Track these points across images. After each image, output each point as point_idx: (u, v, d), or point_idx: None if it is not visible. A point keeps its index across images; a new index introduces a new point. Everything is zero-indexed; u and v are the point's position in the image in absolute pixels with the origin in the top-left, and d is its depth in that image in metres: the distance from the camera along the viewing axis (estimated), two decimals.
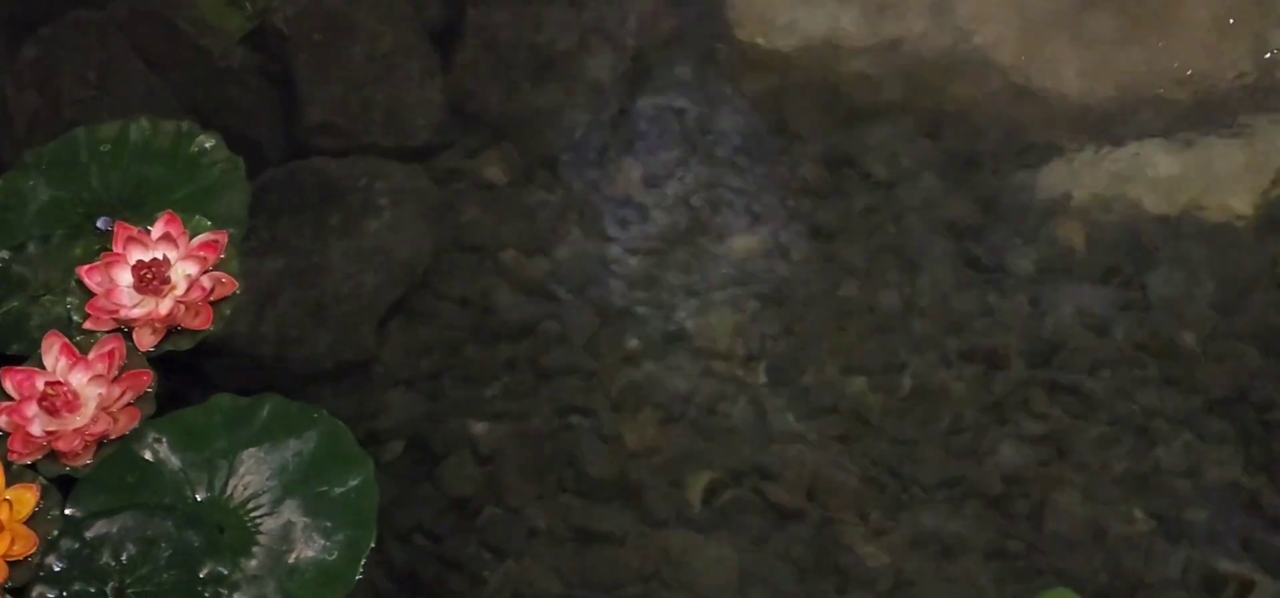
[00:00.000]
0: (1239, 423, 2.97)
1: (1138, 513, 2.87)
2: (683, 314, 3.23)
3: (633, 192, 3.42)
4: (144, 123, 3.29)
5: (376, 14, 3.60)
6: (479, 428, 3.06)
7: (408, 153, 3.46)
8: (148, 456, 2.80)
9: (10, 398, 2.82)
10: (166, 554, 2.65)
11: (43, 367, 2.84)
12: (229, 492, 2.78)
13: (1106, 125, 3.43)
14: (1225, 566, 2.80)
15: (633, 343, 3.20)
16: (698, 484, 2.99)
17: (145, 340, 2.92)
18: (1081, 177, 3.35)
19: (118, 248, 3.01)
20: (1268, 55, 3.45)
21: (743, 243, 3.33)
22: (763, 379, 3.13)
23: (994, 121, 3.48)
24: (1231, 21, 3.52)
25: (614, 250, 3.33)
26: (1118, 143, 3.40)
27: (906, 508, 2.94)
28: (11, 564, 2.62)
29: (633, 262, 3.31)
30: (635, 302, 3.25)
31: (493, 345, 3.21)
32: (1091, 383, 3.06)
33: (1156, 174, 3.33)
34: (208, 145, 3.25)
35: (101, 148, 3.26)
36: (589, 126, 3.52)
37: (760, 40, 3.63)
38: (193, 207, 3.13)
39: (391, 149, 3.45)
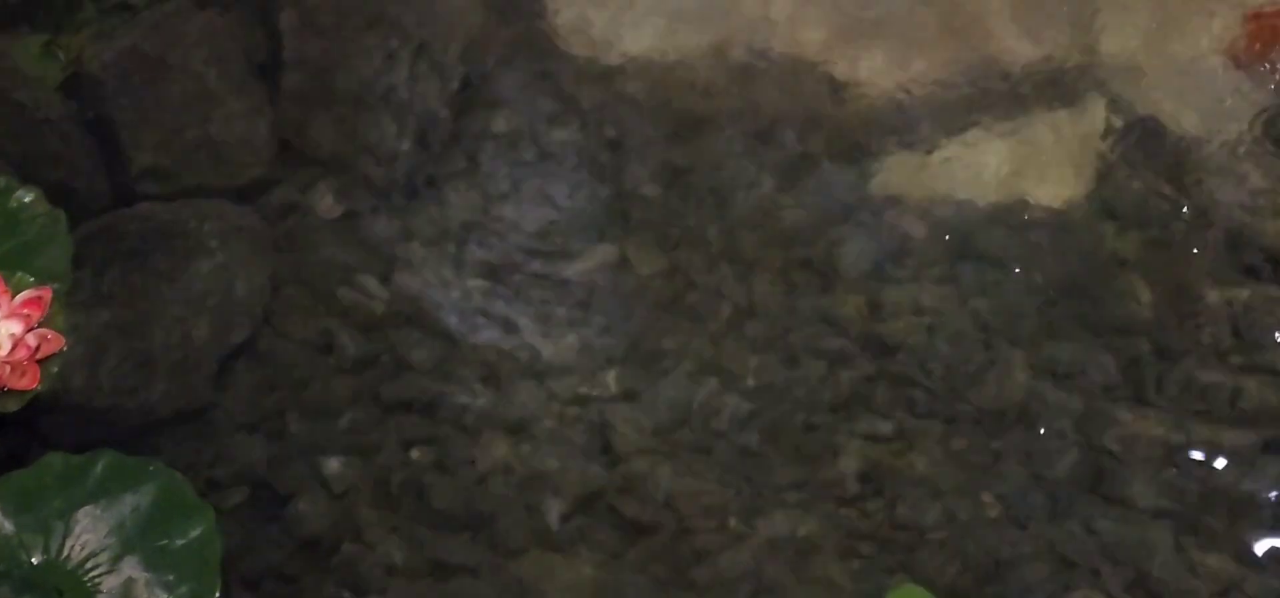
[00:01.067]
0: (1075, 406, 3.02)
1: (986, 498, 2.91)
2: (527, 336, 3.21)
3: (469, 216, 3.39)
4: None
5: (196, 52, 3.51)
6: (328, 466, 3.01)
7: (238, 191, 3.39)
8: None
9: None
10: None
11: None
12: (66, 553, 2.70)
13: (933, 121, 3.48)
14: (1071, 550, 2.84)
15: (478, 369, 3.17)
16: (552, 506, 2.98)
17: None
18: (912, 174, 3.40)
19: None
20: (1082, 40, 3.52)
21: (584, 260, 3.32)
22: (611, 393, 3.12)
23: (823, 124, 3.51)
24: (1044, 11, 3.60)
25: (453, 276, 3.31)
26: (945, 138, 3.45)
27: (762, 512, 2.96)
28: None
29: (473, 286, 3.28)
30: (478, 327, 3.23)
31: (337, 380, 3.16)
32: (934, 377, 3.10)
33: (985, 166, 3.39)
34: (27, 200, 3.15)
35: None
36: (421, 153, 3.48)
37: (589, 55, 3.62)
38: (13, 264, 3.03)
39: (220, 189, 3.38)
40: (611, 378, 3.16)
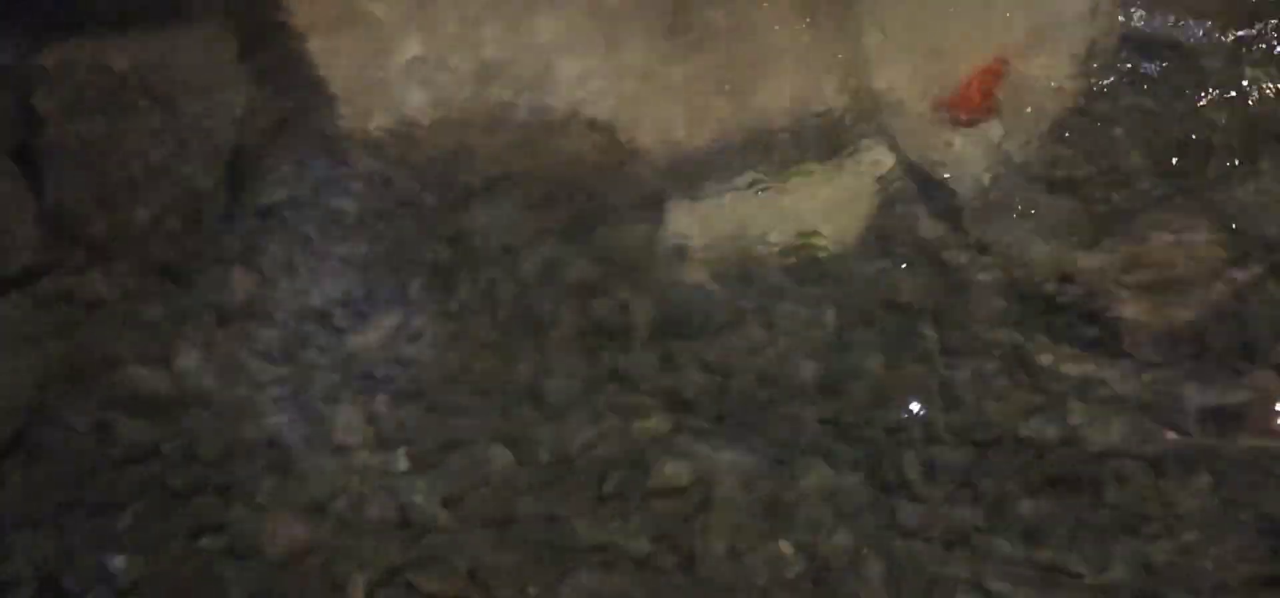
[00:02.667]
0: (868, 444, 3.06)
1: (784, 547, 2.94)
2: (316, 413, 3.16)
3: (250, 292, 3.33)
4: None
5: None
6: (115, 562, 2.93)
7: (5, 282, 3.25)
8: None
9: None
10: None
11: None
12: None
13: (716, 172, 3.51)
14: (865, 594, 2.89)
15: (268, 450, 3.11)
16: (356, 583, 2.94)
17: None
18: (698, 225, 3.43)
19: None
20: (856, 88, 3.60)
21: (370, 332, 3.28)
22: (406, 467, 3.08)
23: (607, 179, 3.52)
24: (815, 60, 3.66)
25: (237, 356, 3.23)
26: (729, 188, 3.49)
27: (564, 577, 2.94)
28: None
29: (257, 367, 3.21)
30: (265, 408, 3.16)
31: (121, 471, 3.08)
32: (728, 427, 3.12)
33: (768, 214, 3.43)
34: None
35: None
36: (195, 232, 3.40)
37: (366, 123, 3.58)
38: None
39: None
40: (404, 451, 3.12)
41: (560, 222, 3.45)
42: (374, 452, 3.11)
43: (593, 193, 3.50)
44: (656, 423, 3.12)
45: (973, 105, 3.46)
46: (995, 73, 3.49)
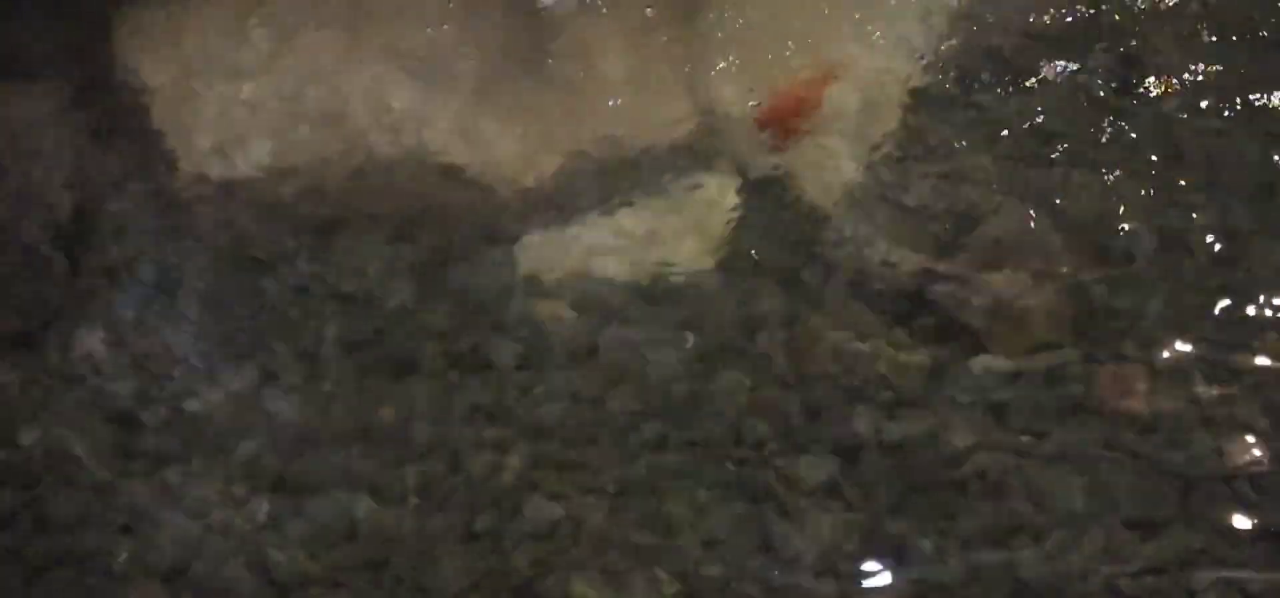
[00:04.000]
0: (735, 464, 3.07)
1: (660, 574, 2.92)
2: (171, 473, 3.11)
3: (96, 353, 3.25)
4: None
5: None
6: None
7: None
8: None
9: None
10: None
11: None
12: None
13: (566, 201, 3.52)
14: None
15: (124, 514, 3.05)
16: None
17: None
18: (551, 254, 3.43)
19: None
20: (701, 108, 3.61)
21: (225, 385, 3.22)
22: (265, 522, 3.03)
23: (458, 217, 3.52)
24: (660, 83, 3.68)
25: (87, 420, 3.16)
26: (580, 215, 3.49)
27: None
28: None
29: (107, 429, 3.14)
30: (118, 470, 3.09)
31: None
32: (595, 456, 3.10)
33: (621, 238, 3.44)
34: None
35: None
36: (37, 294, 3.30)
37: (208, 172, 3.53)
38: None
39: None
40: (264, 506, 3.07)
41: (413, 262, 3.43)
42: (233, 509, 3.04)
43: (444, 231, 3.48)
44: (523, 458, 3.10)
45: (789, 120, 3.49)
46: (813, 87, 3.52)
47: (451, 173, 3.56)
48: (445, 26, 3.78)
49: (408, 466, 3.10)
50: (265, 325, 3.32)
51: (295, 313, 3.34)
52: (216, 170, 3.54)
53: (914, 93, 3.56)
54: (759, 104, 3.56)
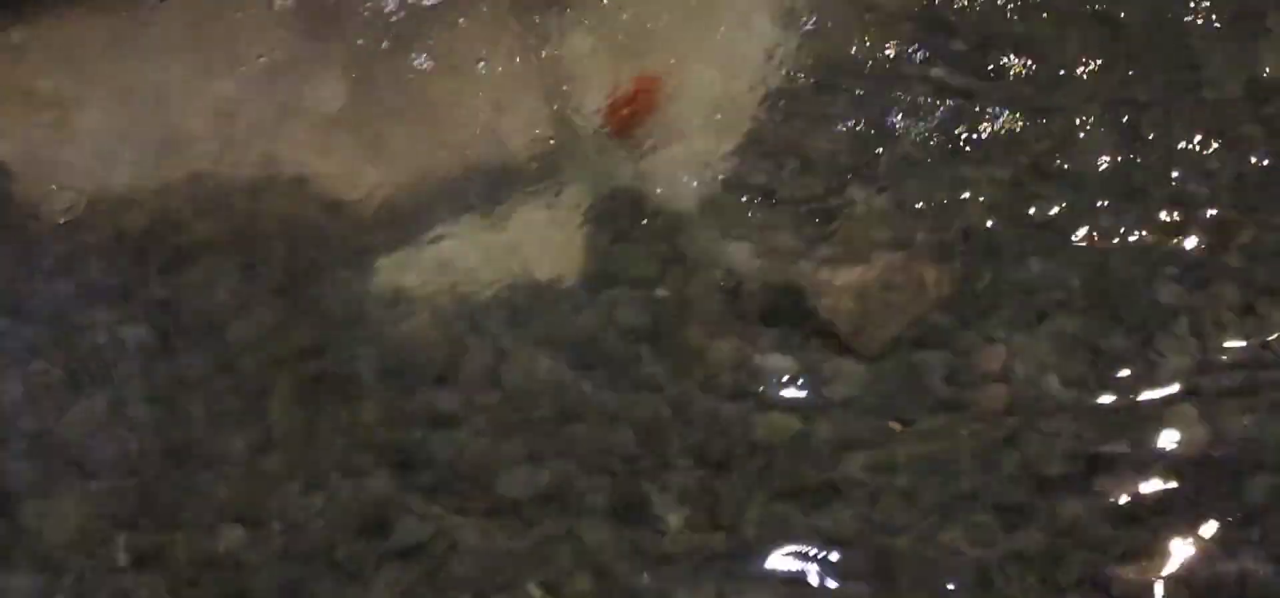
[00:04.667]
0: (606, 476, 3.04)
1: (533, 591, 2.88)
2: (23, 513, 3.03)
3: None
4: None
5: None
6: None
7: None
8: None
9: None
10: None
11: None
12: None
13: (425, 215, 3.46)
14: None
15: None
16: None
17: None
18: (413, 270, 3.37)
19: None
20: (559, 116, 3.57)
21: (78, 420, 3.12)
22: (125, 561, 2.95)
23: (312, 236, 3.45)
24: (518, 91, 3.64)
25: None
26: (440, 229, 3.43)
27: None
28: None
29: None
30: None
31: None
32: (462, 474, 3.06)
33: (482, 251, 3.39)
34: None
35: None
36: None
37: (55, 203, 3.42)
38: None
39: None
40: (123, 543, 2.97)
41: (268, 283, 3.36)
42: (91, 550, 2.95)
43: (299, 250, 3.42)
44: (388, 481, 3.05)
45: (625, 121, 3.47)
46: (647, 88, 3.50)
47: (304, 191, 3.50)
48: (291, 42, 3.72)
49: (270, 494, 3.03)
50: (118, 356, 3.22)
51: (148, 342, 3.25)
52: (60, 202, 3.45)
53: (771, 91, 3.55)
54: (598, 107, 3.54)
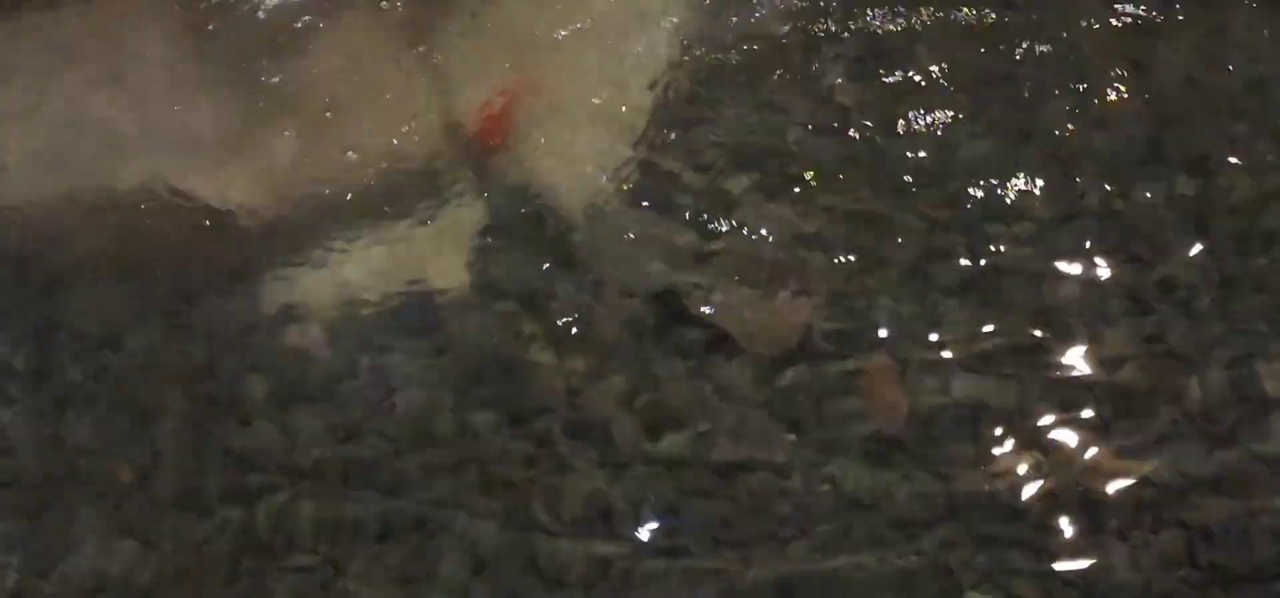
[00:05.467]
0: (501, 488, 3.03)
1: None
2: None
3: None
4: None
5: None
6: None
7: None
8: None
9: None
10: None
11: None
12: None
13: (314, 231, 3.43)
14: None
15: None
16: None
17: None
18: (303, 287, 3.34)
19: None
20: (449, 129, 3.56)
21: None
22: (14, 584, 2.92)
23: (200, 255, 3.41)
24: (405, 102, 3.60)
25: None
26: (330, 245, 3.40)
27: None
28: None
29: None
30: None
31: None
32: (356, 491, 3.04)
33: (370, 266, 3.36)
34: None
35: None
36: None
37: None
38: None
39: None
40: (14, 567, 2.95)
41: (155, 303, 3.32)
42: None
43: (186, 270, 3.38)
44: (282, 497, 3.02)
45: (487, 132, 3.47)
46: (510, 99, 3.50)
47: (189, 208, 3.46)
48: (175, 58, 3.68)
49: (162, 516, 3.00)
50: (1, 379, 3.17)
51: (32, 364, 3.20)
52: None
53: (659, 97, 3.55)
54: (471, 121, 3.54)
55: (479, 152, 3.48)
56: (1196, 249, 3.20)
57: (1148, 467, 2.94)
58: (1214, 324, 3.10)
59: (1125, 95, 3.46)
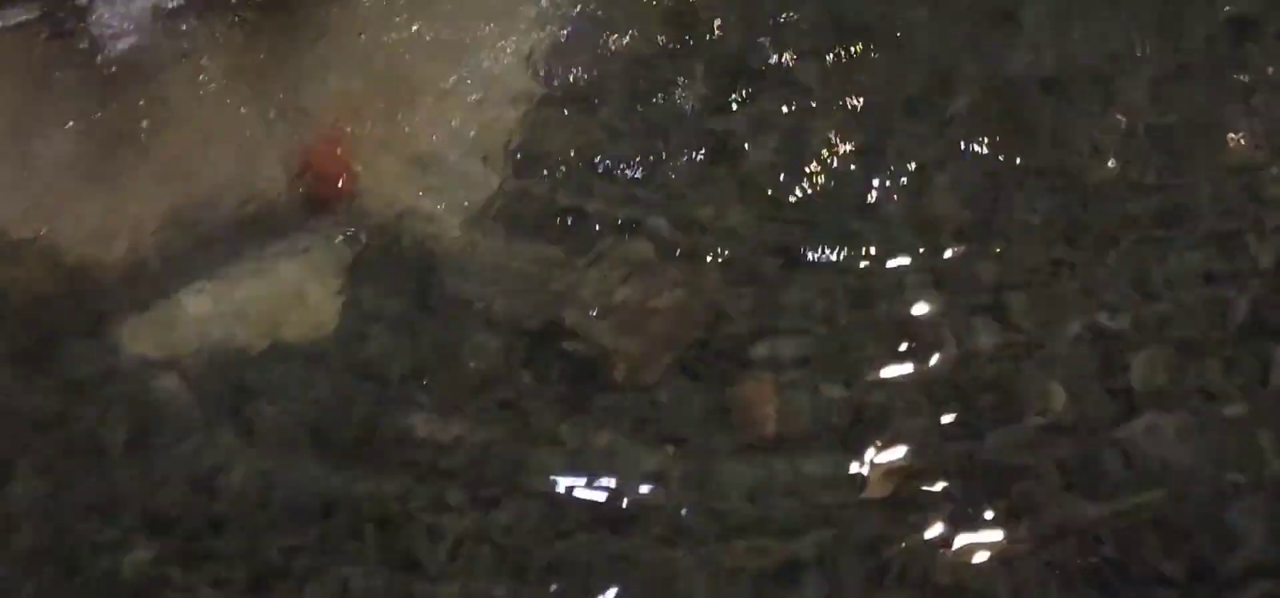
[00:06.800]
0: (375, 527, 2.98)
1: None
2: None
3: None
4: None
5: None
6: None
7: None
8: None
9: None
10: None
11: None
12: None
13: (171, 274, 3.35)
14: None
15: None
16: None
17: None
18: (162, 331, 3.26)
19: None
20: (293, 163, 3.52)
21: None
22: None
23: (52, 301, 3.33)
24: (262, 137, 3.54)
25: None
26: (183, 287, 3.33)
27: None
28: None
29: None
30: None
31: None
32: (223, 543, 2.97)
33: (232, 306, 3.29)
34: None
35: None
36: None
37: None
38: None
39: None
40: None
41: (9, 352, 3.23)
42: None
43: (40, 316, 3.29)
44: (144, 553, 2.93)
45: (320, 182, 3.42)
46: (330, 144, 3.45)
47: (41, 252, 3.37)
48: (20, 101, 3.60)
49: (21, 577, 2.90)
50: None
51: None
52: None
53: (521, 124, 3.52)
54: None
55: (322, 196, 3.43)
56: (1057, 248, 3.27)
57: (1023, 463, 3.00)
58: (1074, 321, 3.16)
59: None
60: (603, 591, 2.87)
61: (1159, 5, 3.69)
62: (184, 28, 3.70)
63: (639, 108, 3.54)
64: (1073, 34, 3.64)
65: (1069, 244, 3.26)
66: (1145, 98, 3.50)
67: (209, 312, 3.28)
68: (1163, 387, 3.03)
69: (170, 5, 3.69)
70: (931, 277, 3.22)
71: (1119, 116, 3.46)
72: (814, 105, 3.54)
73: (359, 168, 3.44)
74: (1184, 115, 3.48)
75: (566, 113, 3.54)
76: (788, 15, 3.71)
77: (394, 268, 3.33)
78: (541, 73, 3.58)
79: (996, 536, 2.89)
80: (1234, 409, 2.99)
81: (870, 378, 3.10)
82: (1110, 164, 3.38)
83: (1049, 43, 3.63)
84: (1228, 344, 3.08)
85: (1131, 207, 3.30)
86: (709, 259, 3.28)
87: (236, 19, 3.71)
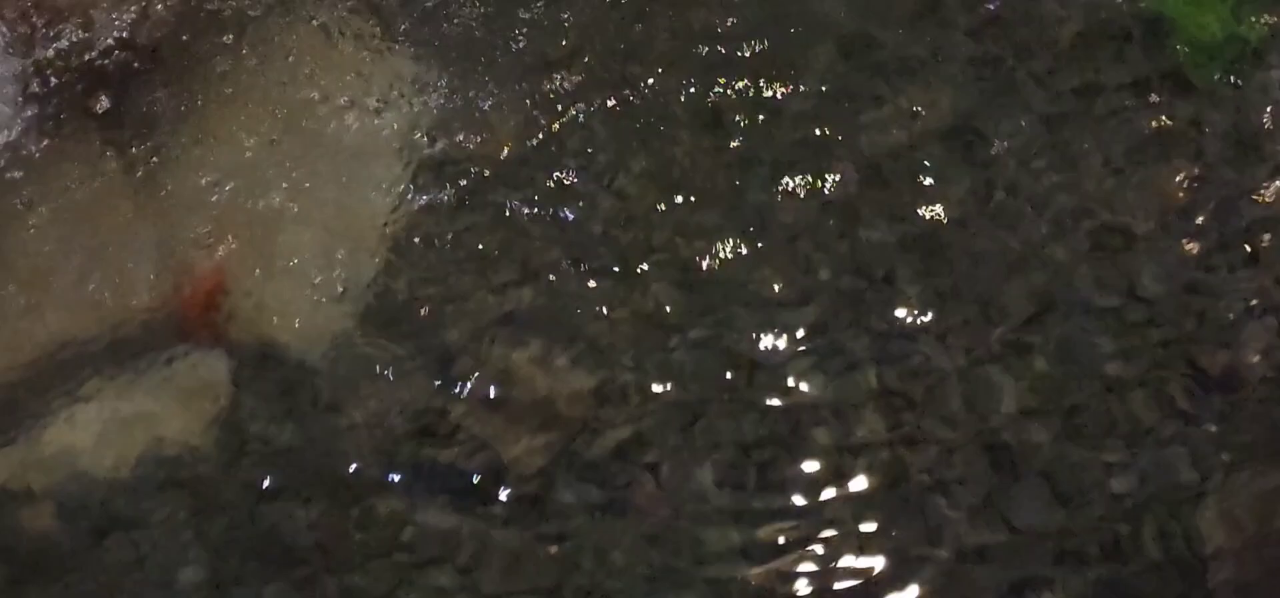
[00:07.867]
0: None
1: None
2: None
3: None
4: None
5: None
6: None
7: None
8: None
9: None
10: None
11: None
12: None
13: (31, 400, 3.26)
14: None
15: None
16: None
17: None
18: (27, 463, 3.16)
19: None
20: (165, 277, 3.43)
21: None
22: None
23: None
24: (128, 257, 3.42)
25: None
26: (50, 414, 3.23)
27: None
28: None
29: None
30: None
31: None
32: None
33: (104, 429, 3.20)
34: None
35: None
36: None
37: None
38: None
39: None
40: None
41: None
42: None
43: None
44: None
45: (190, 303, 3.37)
46: (210, 289, 3.38)
47: None
48: None
49: None
50: None
51: None
52: None
53: (396, 226, 3.45)
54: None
55: (193, 319, 3.36)
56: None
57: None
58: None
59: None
60: None
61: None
62: (41, 152, 3.57)
63: (511, 195, 3.47)
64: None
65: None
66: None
67: (83, 436, 3.19)
68: None
69: (34, 127, 3.56)
70: (815, 355, 3.24)
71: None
72: (689, 176, 3.52)
73: (229, 289, 3.36)
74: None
75: (441, 208, 3.48)
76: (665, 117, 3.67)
77: (271, 381, 3.27)
78: (415, 172, 3.51)
79: None
80: None
81: (757, 463, 3.12)
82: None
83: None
84: None
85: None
86: (583, 351, 3.29)
87: (101, 141, 3.60)
